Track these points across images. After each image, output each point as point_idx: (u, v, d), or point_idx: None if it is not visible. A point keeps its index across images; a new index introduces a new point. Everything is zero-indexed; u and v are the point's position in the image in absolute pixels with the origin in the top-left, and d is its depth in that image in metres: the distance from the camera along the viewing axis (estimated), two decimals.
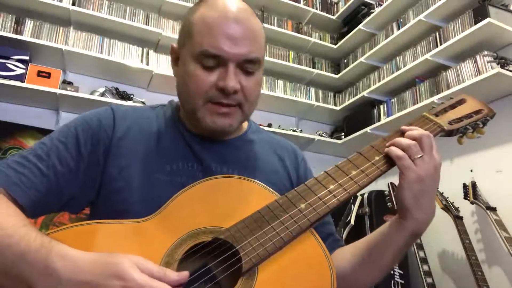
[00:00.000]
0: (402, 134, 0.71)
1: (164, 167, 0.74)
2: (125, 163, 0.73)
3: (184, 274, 0.54)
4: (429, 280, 2.15)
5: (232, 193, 0.69)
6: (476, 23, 2.26)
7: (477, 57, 2.27)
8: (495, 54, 2.22)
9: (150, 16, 2.91)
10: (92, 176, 0.73)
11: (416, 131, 0.69)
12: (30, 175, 0.67)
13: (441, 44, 2.51)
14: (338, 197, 0.66)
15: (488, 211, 2.03)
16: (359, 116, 3.18)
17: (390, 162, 0.69)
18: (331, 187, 0.67)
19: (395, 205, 2.25)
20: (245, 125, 0.88)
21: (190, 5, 2.94)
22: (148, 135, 0.78)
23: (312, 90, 3.42)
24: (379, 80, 3.01)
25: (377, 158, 0.69)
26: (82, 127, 0.75)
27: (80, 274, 0.50)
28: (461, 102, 0.82)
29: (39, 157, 0.69)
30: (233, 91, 0.70)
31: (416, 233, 0.68)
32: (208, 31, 0.70)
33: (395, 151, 0.67)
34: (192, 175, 0.73)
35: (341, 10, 3.46)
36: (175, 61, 0.79)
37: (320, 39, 3.49)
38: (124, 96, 2.73)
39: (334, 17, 3.50)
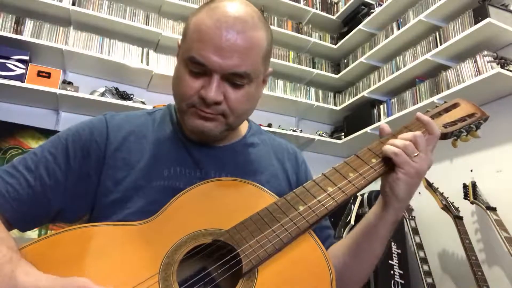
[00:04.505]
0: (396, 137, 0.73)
1: (162, 172, 0.74)
2: (122, 175, 0.73)
3: None
4: (429, 280, 2.15)
5: (231, 195, 0.70)
6: (476, 23, 2.27)
7: (477, 57, 2.27)
8: (495, 54, 2.22)
9: (150, 16, 2.91)
10: (83, 188, 0.73)
11: (410, 133, 0.71)
12: (17, 186, 0.67)
13: (441, 44, 2.51)
14: (336, 199, 0.67)
15: (488, 211, 2.03)
16: (359, 116, 3.18)
17: (386, 164, 0.70)
18: (330, 189, 0.68)
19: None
20: (245, 128, 0.88)
21: (190, 5, 2.95)
22: (145, 143, 0.77)
23: (312, 90, 3.42)
24: (379, 80, 3.01)
25: (374, 160, 0.71)
26: (73, 138, 0.75)
27: (40, 285, 0.52)
28: (455, 105, 0.84)
29: (28, 168, 0.69)
30: (213, 103, 0.70)
31: (397, 221, 0.74)
32: (199, 38, 0.69)
33: (391, 148, 0.69)
34: (190, 182, 0.72)
35: (341, 10, 3.45)
36: (177, 57, 0.79)
37: (320, 39, 3.49)
38: (124, 96, 2.73)
39: (334, 17, 3.50)
